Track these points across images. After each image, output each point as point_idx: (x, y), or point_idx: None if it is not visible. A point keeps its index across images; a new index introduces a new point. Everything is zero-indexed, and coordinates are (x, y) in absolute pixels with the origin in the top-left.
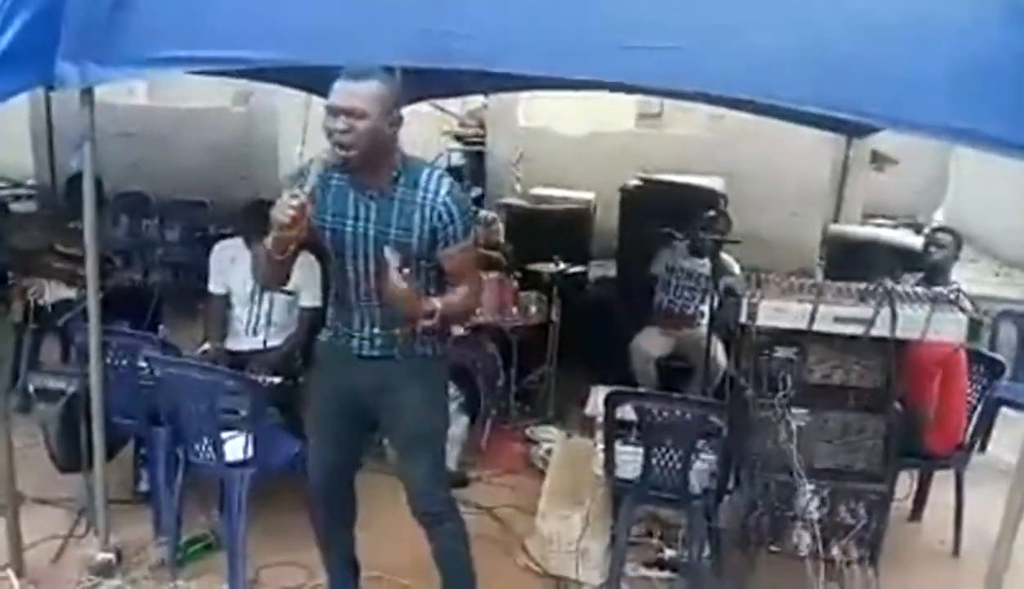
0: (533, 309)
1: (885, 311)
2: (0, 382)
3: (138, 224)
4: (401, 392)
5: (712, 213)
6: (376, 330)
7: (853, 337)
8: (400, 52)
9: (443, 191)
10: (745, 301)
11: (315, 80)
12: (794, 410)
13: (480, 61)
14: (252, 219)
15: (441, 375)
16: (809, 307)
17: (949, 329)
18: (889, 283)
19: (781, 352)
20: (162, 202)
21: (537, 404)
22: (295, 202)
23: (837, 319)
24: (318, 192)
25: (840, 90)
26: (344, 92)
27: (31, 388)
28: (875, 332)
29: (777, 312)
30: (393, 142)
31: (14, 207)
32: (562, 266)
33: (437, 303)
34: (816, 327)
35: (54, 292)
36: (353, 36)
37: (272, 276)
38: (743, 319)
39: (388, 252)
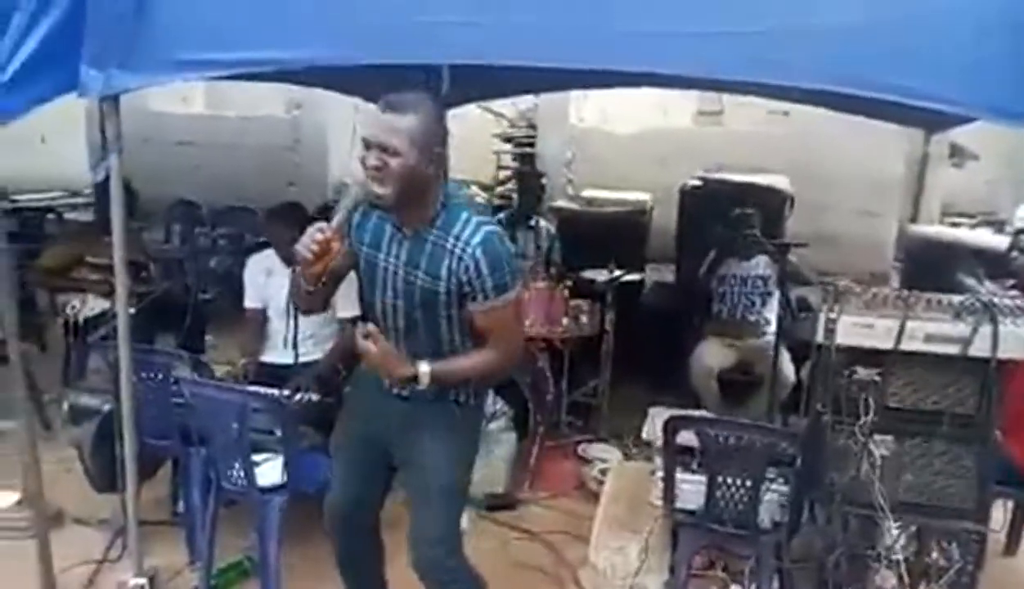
0: (585, 319)
1: (985, 329)
2: (27, 404)
3: (190, 232)
4: (423, 437)
5: (739, 211)
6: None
7: (946, 357)
8: (439, 50)
9: (475, 241)
10: (823, 316)
11: (359, 84)
12: (877, 437)
13: (521, 56)
14: (275, 225)
15: (472, 427)
16: (896, 324)
17: None
18: (989, 296)
19: (862, 373)
20: (213, 210)
21: (590, 420)
22: (319, 237)
23: (929, 338)
24: (359, 218)
25: (929, 79)
26: (379, 125)
27: (65, 406)
28: (973, 352)
29: (859, 329)
30: (433, 181)
31: (70, 216)
32: (616, 272)
33: (424, 368)
34: (904, 346)
35: (94, 305)
36: (390, 35)
37: (307, 304)
38: (820, 337)
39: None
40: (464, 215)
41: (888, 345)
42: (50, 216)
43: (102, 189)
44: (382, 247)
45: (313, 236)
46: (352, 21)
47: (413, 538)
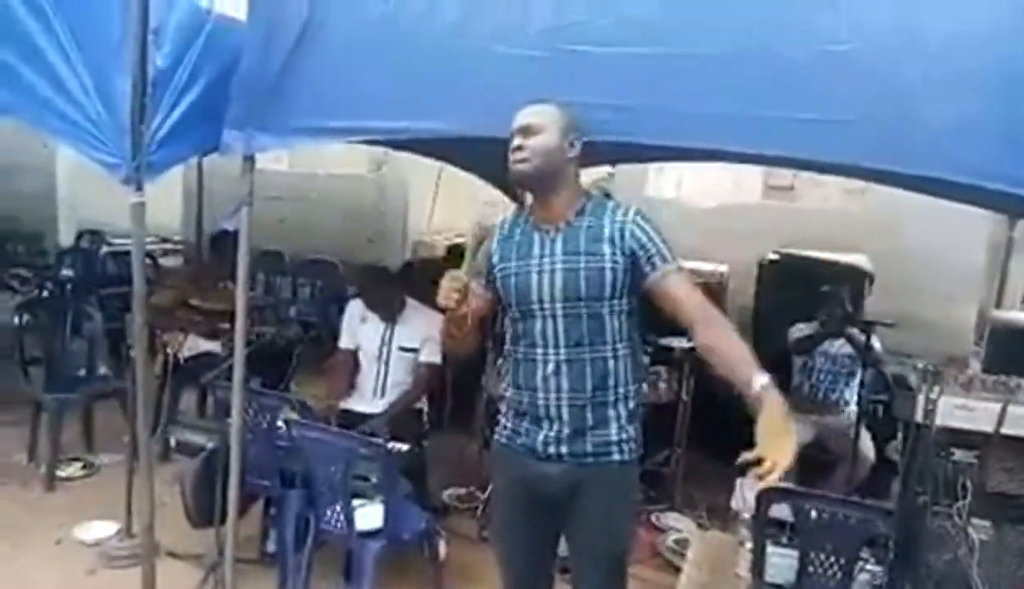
0: (663, 386)
1: None
2: (144, 435)
3: (273, 282)
4: (590, 505)
5: (830, 288)
6: (565, 415)
7: None
8: None
9: (631, 213)
10: (921, 397)
11: (456, 152)
12: (975, 522)
13: (624, 133)
14: (363, 284)
15: (635, 484)
16: (996, 407)
17: None
18: None
19: (960, 455)
20: (295, 261)
21: (664, 489)
22: (457, 285)
23: None
24: (500, 246)
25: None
26: (519, 116)
27: (172, 441)
28: None
29: (958, 411)
30: (573, 170)
31: (162, 261)
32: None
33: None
34: (1005, 430)
35: (191, 345)
36: (506, 108)
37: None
38: (919, 417)
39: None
40: (611, 203)
41: (988, 428)
42: (147, 261)
43: (218, 237)
44: (534, 253)
45: (451, 286)
46: (476, 95)
47: None
